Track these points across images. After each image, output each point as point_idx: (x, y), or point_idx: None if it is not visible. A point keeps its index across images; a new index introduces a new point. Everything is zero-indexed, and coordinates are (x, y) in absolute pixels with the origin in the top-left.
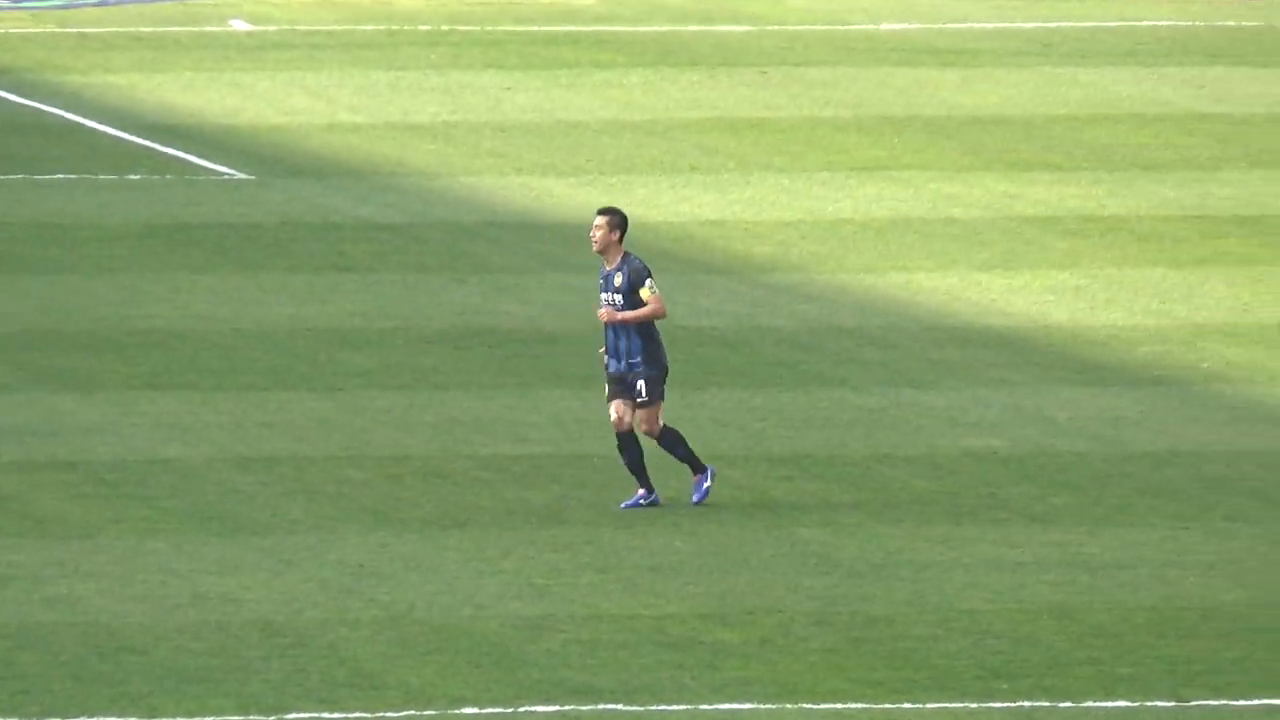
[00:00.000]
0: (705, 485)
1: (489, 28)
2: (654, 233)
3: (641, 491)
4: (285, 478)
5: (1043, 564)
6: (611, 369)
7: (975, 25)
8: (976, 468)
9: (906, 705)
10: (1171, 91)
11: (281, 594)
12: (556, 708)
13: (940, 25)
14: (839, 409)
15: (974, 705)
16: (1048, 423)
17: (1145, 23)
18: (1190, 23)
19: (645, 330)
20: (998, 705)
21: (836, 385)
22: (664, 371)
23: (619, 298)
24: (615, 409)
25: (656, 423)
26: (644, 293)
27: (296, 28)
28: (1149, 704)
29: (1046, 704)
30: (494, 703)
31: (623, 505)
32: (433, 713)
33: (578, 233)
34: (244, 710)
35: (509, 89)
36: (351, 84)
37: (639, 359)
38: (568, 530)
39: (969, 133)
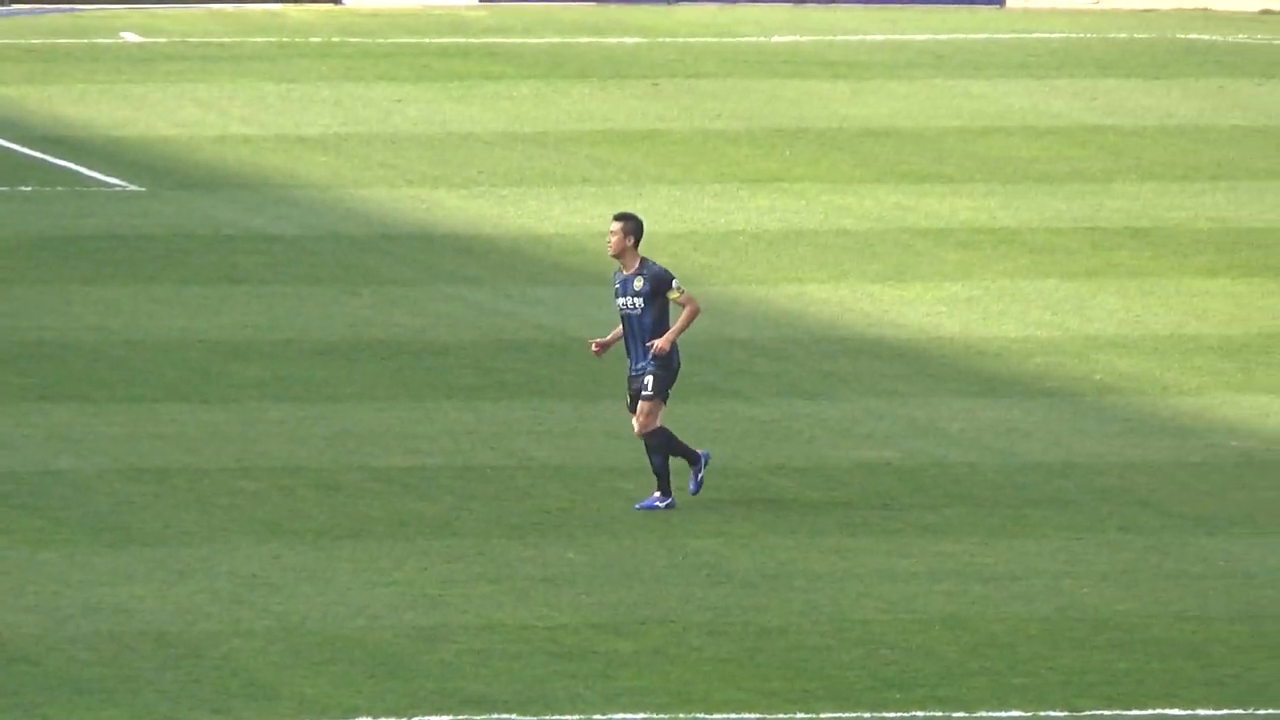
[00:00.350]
0: (700, 476)
1: (380, 40)
2: (546, 245)
3: (657, 494)
4: (178, 489)
5: (936, 575)
6: (632, 372)
7: (867, 38)
8: (869, 479)
9: (800, 715)
10: (1063, 104)
11: (175, 605)
12: (450, 718)
13: (831, 37)
14: (731, 420)
15: (867, 715)
16: (940, 434)
17: (1037, 35)
18: (1082, 35)
19: (660, 331)
20: (891, 715)
21: (729, 397)
22: (673, 374)
23: (639, 301)
24: (635, 421)
25: (654, 419)
26: (673, 295)
27: (187, 40)
28: (1042, 714)
29: (940, 714)
30: (388, 713)
31: (638, 505)
32: None
33: (470, 244)
34: None
35: (400, 101)
36: (242, 96)
37: (652, 359)
38: (460, 541)
39: (861, 144)
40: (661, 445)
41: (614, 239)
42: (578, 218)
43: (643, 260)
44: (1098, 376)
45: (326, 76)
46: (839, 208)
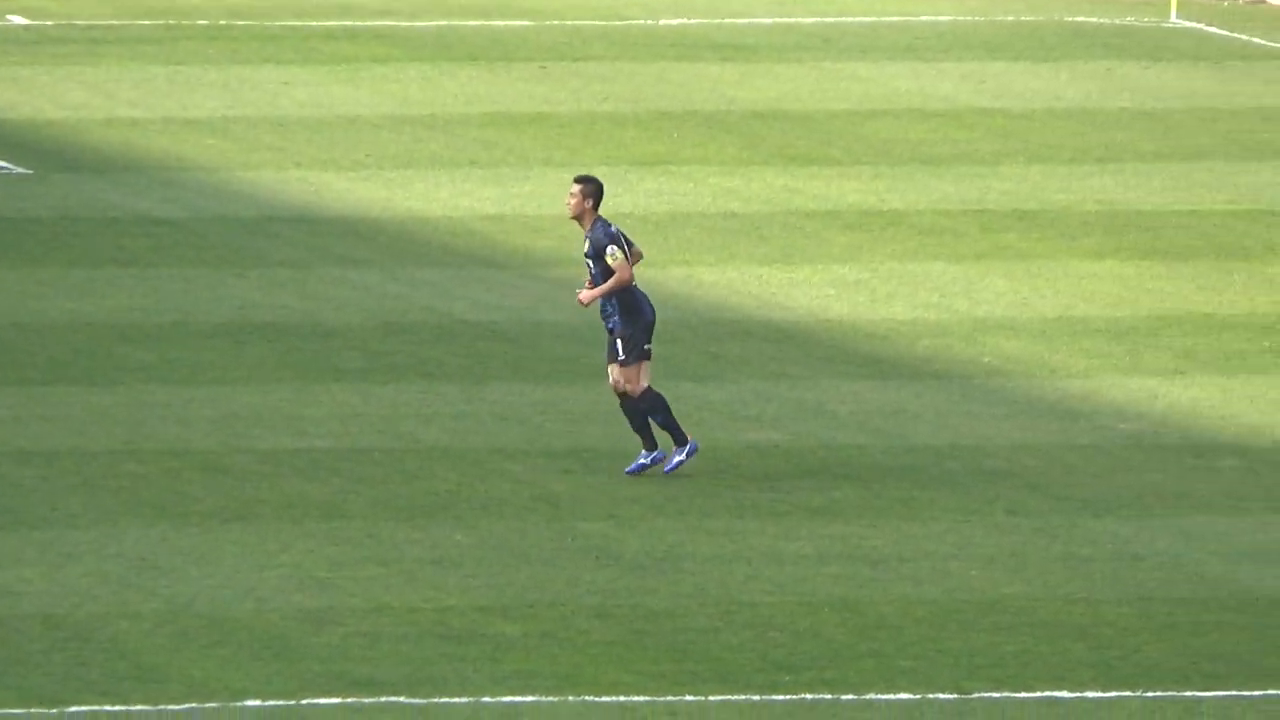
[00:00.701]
0: (678, 459)
1: (267, 23)
2: (434, 227)
3: (642, 452)
4: (65, 471)
5: (824, 557)
6: (608, 326)
7: (754, 20)
8: (758, 461)
9: (688, 698)
10: (951, 86)
11: (62, 587)
12: (339, 700)
13: (719, 20)
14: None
15: (756, 698)
16: (829, 416)
17: (924, 18)
18: (970, 18)
19: (616, 296)
20: (780, 698)
21: None
22: (644, 329)
23: (590, 263)
24: (609, 372)
25: (636, 381)
26: (609, 259)
27: (74, 22)
28: (931, 696)
29: (829, 696)
30: (276, 695)
31: (628, 470)
32: (215, 705)
33: (357, 227)
34: (25, 703)
35: (287, 84)
36: (130, 79)
37: (616, 317)
38: (348, 524)
39: (748, 127)
40: (654, 408)
41: (573, 201)
42: (465, 200)
43: (595, 223)
44: (986, 359)
45: (214, 59)
46: (727, 190)
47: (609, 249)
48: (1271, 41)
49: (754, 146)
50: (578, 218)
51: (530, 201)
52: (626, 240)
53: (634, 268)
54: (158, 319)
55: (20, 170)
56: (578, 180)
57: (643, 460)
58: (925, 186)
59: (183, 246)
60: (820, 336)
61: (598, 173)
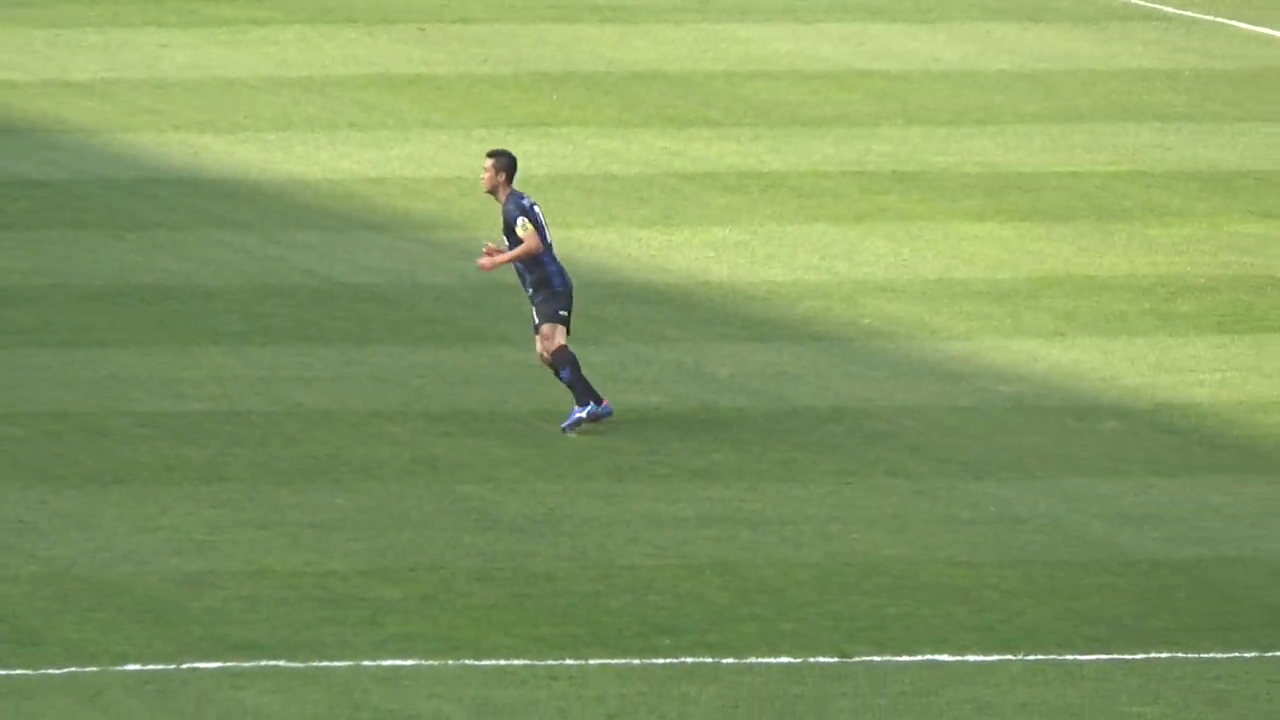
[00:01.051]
0: (577, 415)
1: None
2: (313, 190)
3: (576, 407)
4: None
5: (705, 520)
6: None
7: None
8: (637, 424)
9: (569, 661)
10: (830, 48)
11: None
12: (219, 664)
13: None
14: (499, 366)
15: (636, 661)
16: (709, 379)
17: None
18: None
19: (529, 262)
20: (660, 661)
21: (496, 342)
22: (557, 295)
23: (504, 235)
24: (535, 344)
25: (552, 340)
26: (519, 230)
27: None
28: (812, 660)
29: (710, 660)
30: (156, 659)
31: (564, 426)
32: (95, 669)
33: (236, 189)
34: None
35: (166, 46)
36: (9, 43)
37: (531, 289)
38: (228, 486)
39: (627, 88)
40: (566, 361)
41: (486, 175)
42: (345, 163)
43: (509, 195)
44: (866, 321)
45: (94, 22)
46: (606, 152)
47: (519, 220)
48: (1150, 3)
49: (633, 108)
50: (492, 191)
51: (409, 164)
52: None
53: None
54: (37, 281)
55: None
56: (490, 155)
57: (576, 414)
58: (805, 148)
59: (62, 209)
60: (700, 299)
61: (476, 136)
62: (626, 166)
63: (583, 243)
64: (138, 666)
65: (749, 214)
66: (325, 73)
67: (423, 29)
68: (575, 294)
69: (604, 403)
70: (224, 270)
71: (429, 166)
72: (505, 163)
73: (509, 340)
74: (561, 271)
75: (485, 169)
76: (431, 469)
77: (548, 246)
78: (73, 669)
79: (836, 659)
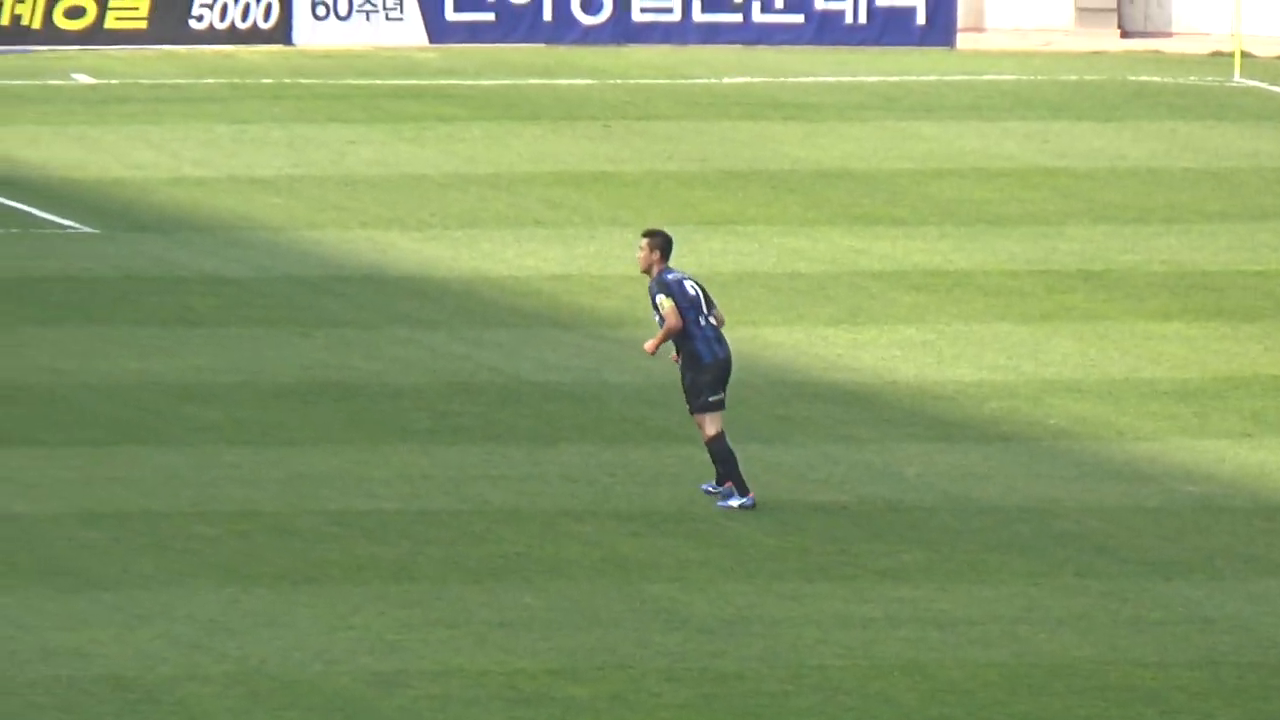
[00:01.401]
0: (734, 502)
1: (331, 81)
2: (499, 287)
3: (729, 486)
4: (135, 533)
5: (893, 620)
6: None
7: (817, 79)
8: (825, 524)
9: None
10: (1015, 146)
11: (132, 649)
12: None
13: (782, 79)
14: (687, 465)
15: None
16: (896, 478)
17: (987, 77)
18: (1033, 77)
19: (677, 344)
20: None
21: (684, 441)
22: (707, 379)
23: (653, 311)
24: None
25: (703, 429)
26: (660, 309)
27: (139, 81)
28: None
29: None
30: None
31: (719, 504)
32: None
33: (423, 287)
34: None
35: (353, 143)
36: (195, 137)
37: (680, 365)
38: (417, 586)
39: (813, 186)
40: (716, 454)
41: (641, 255)
42: (530, 260)
43: (658, 273)
44: (1053, 420)
45: (279, 118)
46: (792, 250)
47: (658, 297)
48: None
49: (819, 206)
50: (646, 270)
51: (596, 261)
52: (702, 294)
53: (723, 328)
54: (225, 379)
55: (87, 229)
56: (645, 234)
57: (726, 501)
58: (991, 246)
59: (249, 306)
60: (887, 398)
61: None
62: (812, 264)
63: (769, 341)
64: None
65: (935, 313)
66: (511, 169)
67: (608, 126)
68: (762, 393)
69: (749, 495)
70: (412, 368)
71: (615, 264)
72: (660, 242)
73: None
74: (712, 346)
75: (640, 248)
76: (620, 568)
77: (696, 320)
78: None
79: None
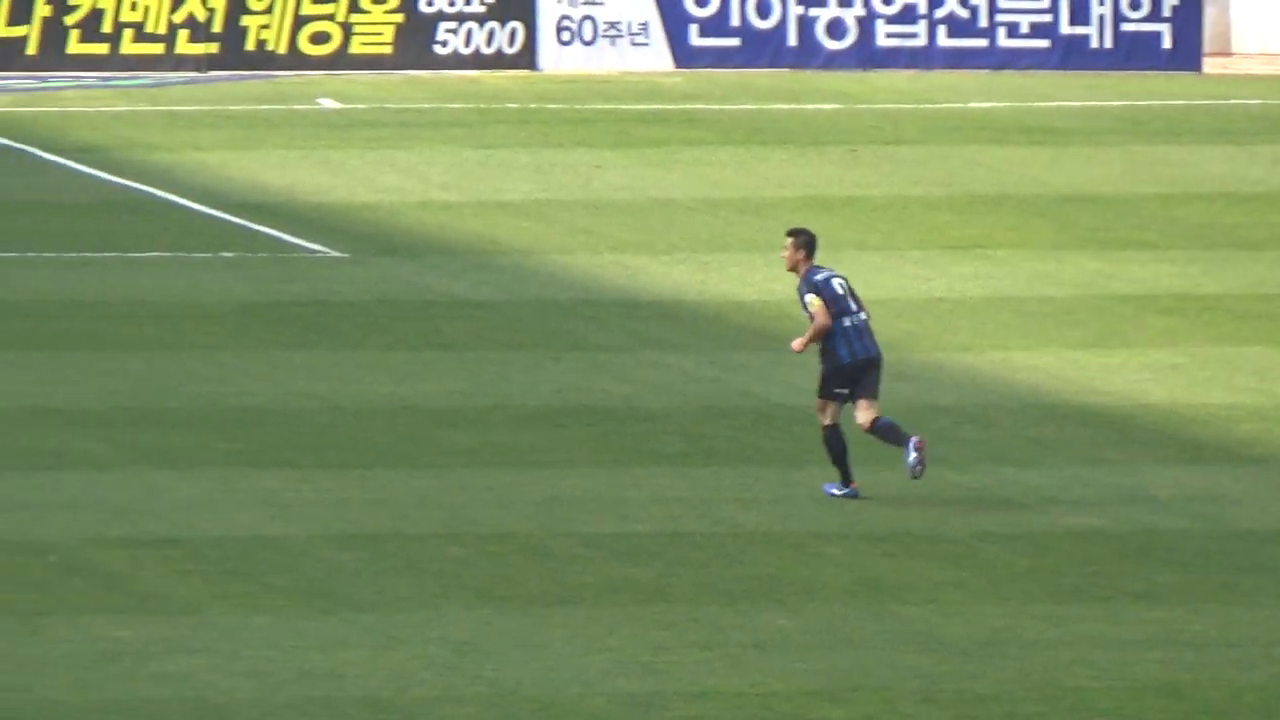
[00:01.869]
0: (838, 490)
1: (577, 106)
2: (748, 311)
3: (839, 484)
4: (388, 554)
5: (1148, 642)
6: None
7: (1063, 104)
8: (1078, 546)
9: None
10: (1263, 170)
11: (387, 670)
12: None
13: (1028, 104)
14: (939, 487)
15: None
16: (1149, 501)
17: (1234, 101)
18: None
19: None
20: None
21: (936, 463)
22: (838, 372)
23: (802, 309)
24: (856, 413)
25: (822, 415)
26: (807, 308)
27: (385, 106)
28: None
29: None
30: None
31: (831, 492)
32: None
33: (672, 310)
34: None
35: (599, 167)
36: (442, 162)
37: (819, 357)
38: (672, 608)
39: (1060, 210)
40: (827, 440)
41: (787, 254)
42: (779, 284)
43: (805, 272)
44: None
45: (525, 142)
46: (1041, 274)
47: (806, 297)
48: None
49: (1067, 230)
50: (793, 269)
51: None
52: (849, 292)
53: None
54: (476, 403)
55: (337, 254)
56: (789, 233)
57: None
58: (1240, 270)
59: (499, 330)
60: (1138, 421)
61: (910, 257)
62: (1061, 288)
63: (1019, 365)
64: None
65: (1185, 336)
66: (758, 194)
67: (855, 150)
68: (1013, 416)
69: (852, 485)
70: (663, 392)
71: (863, 288)
72: (804, 240)
73: (949, 462)
74: (853, 345)
75: (785, 248)
76: (873, 590)
77: (840, 318)
78: None
79: None
